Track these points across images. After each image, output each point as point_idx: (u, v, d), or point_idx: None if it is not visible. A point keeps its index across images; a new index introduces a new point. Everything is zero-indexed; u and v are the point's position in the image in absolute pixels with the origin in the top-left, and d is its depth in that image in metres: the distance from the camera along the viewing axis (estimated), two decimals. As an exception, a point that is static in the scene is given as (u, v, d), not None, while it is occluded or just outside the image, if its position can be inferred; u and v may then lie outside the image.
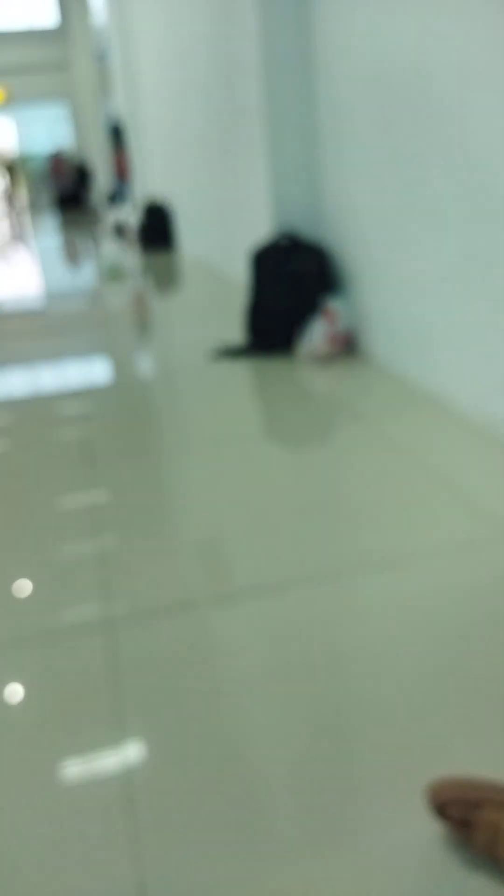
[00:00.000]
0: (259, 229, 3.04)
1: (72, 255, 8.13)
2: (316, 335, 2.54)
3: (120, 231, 8.53)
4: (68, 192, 15.97)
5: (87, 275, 6.28)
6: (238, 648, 1.09)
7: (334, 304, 2.55)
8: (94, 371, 2.90)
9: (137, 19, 6.84)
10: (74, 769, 0.89)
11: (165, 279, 5.45)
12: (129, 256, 5.51)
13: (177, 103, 5.39)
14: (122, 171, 7.99)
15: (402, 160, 2.08)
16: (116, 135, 7.90)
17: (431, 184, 1.92)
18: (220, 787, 0.84)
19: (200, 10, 4.14)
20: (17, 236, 11.59)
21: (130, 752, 0.91)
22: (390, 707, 0.95)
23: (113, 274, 5.29)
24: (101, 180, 14.05)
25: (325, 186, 2.74)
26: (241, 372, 2.64)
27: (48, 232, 12.14)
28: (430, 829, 0.78)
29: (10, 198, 18.87)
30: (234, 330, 3.00)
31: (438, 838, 0.77)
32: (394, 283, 2.29)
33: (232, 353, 2.78)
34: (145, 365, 3.09)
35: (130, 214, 8.21)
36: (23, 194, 19.60)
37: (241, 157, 3.36)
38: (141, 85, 7.21)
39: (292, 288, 2.61)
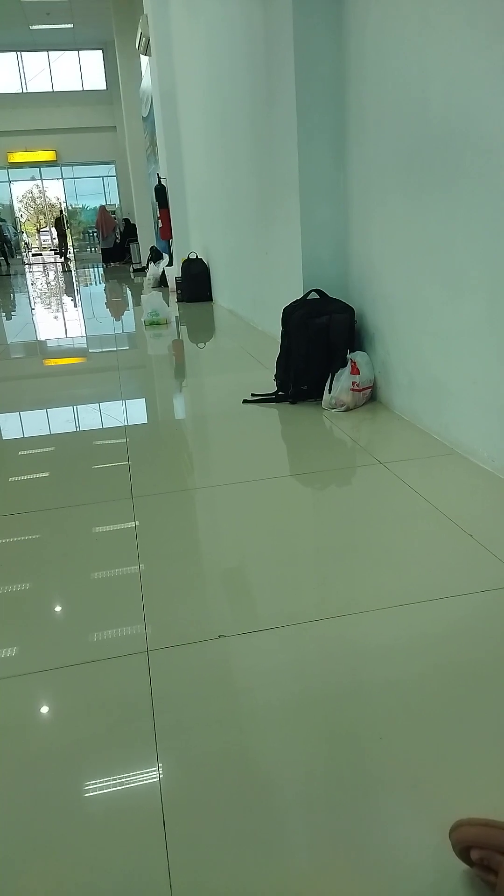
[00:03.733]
0: (290, 286, 3.25)
1: (115, 304, 8.53)
2: (341, 385, 2.71)
3: (160, 283, 8.93)
4: (113, 245, 16.74)
5: (128, 322, 6.60)
6: (260, 679, 1.18)
7: (358, 357, 2.73)
8: (132, 410, 3.10)
9: (181, 87, 7.32)
10: (108, 789, 0.97)
11: (201, 328, 5.72)
12: (168, 306, 5.79)
13: (216, 168, 5.74)
14: (164, 229, 8.41)
15: (426, 225, 2.26)
16: (160, 194, 8.35)
17: (454, 249, 2.09)
18: (244, 809, 0.92)
19: (240, 82, 4.49)
20: (65, 284, 12.14)
21: (162, 774, 0.99)
22: (408, 740, 1.02)
23: (153, 322, 5.57)
24: (144, 235, 14.66)
25: (352, 249, 2.95)
26: (270, 417, 2.81)
27: (93, 281, 12.69)
28: (446, 862, 0.82)
29: (59, 249, 19.78)
30: (264, 377, 3.19)
31: (457, 873, 0.80)
32: (414, 339, 2.46)
33: (262, 399, 2.97)
34: (181, 406, 3.29)
35: (170, 268, 8.60)
36: (70, 246, 20.52)
37: (275, 220, 3.61)
38: (183, 149, 7.66)
39: (320, 341, 2.79)
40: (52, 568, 1.65)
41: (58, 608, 1.48)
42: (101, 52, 18.77)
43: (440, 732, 1.04)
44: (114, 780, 0.99)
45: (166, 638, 1.31)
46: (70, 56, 18.99)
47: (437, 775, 0.97)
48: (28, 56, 18.84)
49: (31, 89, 19.15)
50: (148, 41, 8.12)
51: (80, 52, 18.91)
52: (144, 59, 10.89)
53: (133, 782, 0.99)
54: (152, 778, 0.99)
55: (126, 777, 1.00)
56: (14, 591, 1.56)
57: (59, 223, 19.61)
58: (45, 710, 1.16)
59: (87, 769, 1.02)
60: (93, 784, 0.99)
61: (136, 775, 1.00)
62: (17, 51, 18.64)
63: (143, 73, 12.95)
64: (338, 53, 2.77)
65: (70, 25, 16.72)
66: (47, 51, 18.71)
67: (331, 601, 1.41)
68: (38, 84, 19.15)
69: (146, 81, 11.51)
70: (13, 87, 19.04)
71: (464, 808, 0.87)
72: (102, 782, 0.99)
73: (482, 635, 1.28)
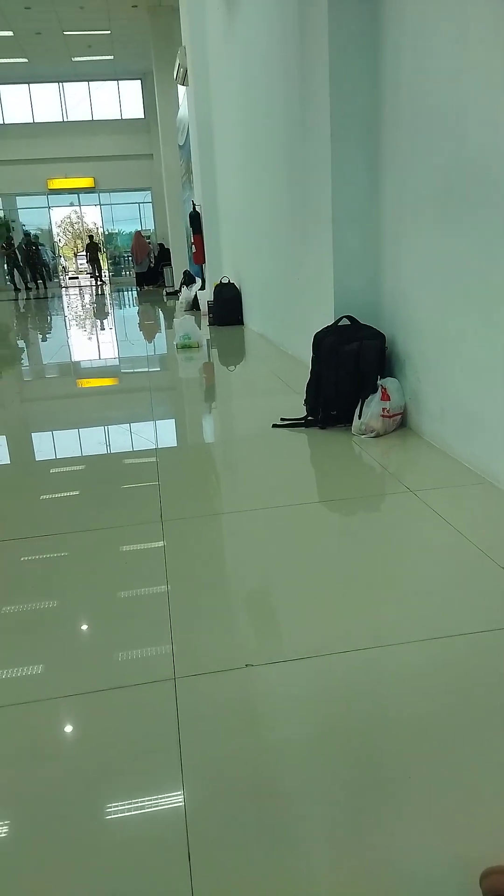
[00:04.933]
0: (321, 312, 3.27)
1: (147, 326, 8.66)
2: (371, 411, 2.71)
3: (193, 306, 9.04)
4: (147, 269, 17.04)
5: (161, 344, 6.69)
6: (286, 710, 1.18)
7: (389, 384, 2.72)
8: (164, 432, 3.13)
9: (217, 116, 7.48)
10: (133, 818, 0.97)
11: (232, 352, 5.77)
12: (200, 330, 5.86)
13: (250, 195, 5.83)
14: (198, 254, 8.55)
15: (460, 255, 2.27)
16: (194, 221, 8.50)
17: (489, 279, 2.09)
18: (269, 841, 0.92)
19: (275, 112, 4.57)
20: (99, 307, 12.37)
21: (188, 804, 0.99)
22: (434, 777, 1.01)
23: (185, 345, 5.64)
24: (178, 260, 14.91)
25: (384, 276, 2.96)
26: (300, 442, 2.81)
27: (127, 304, 12.91)
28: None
29: (92, 272, 20.19)
30: (293, 402, 3.20)
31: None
32: (446, 367, 2.45)
33: (292, 423, 2.98)
34: (211, 429, 3.31)
35: (203, 292, 8.71)
36: (104, 269, 20.92)
37: (307, 246, 3.64)
38: (218, 177, 7.80)
39: (351, 367, 2.80)
40: (82, 590, 1.66)
41: (87, 632, 1.49)
42: (139, 81, 19.28)
43: (468, 771, 1.02)
44: (139, 809, 0.99)
45: (194, 665, 1.31)
46: (109, 86, 19.54)
47: (464, 815, 0.95)
48: (69, 86, 19.43)
49: (71, 118, 19.71)
50: (186, 72, 8.33)
51: (120, 81, 19.44)
52: (182, 89, 11.16)
53: (159, 812, 0.99)
54: (178, 807, 0.98)
55: (151, 807, 1.00)
56: (44, 612, 1.57)
57: (91, 248, 20.02)
58: (72, 734, 1.17)
59: (113, 797, 1.02)
60: (118, 812, 0.99)
61: (161, 805, 1.00)
62: (59, 81, 19.24)
63: (179, 103, 13.27)
64: (373, 85, 2.81)
65: (110, 57, 17.24)
66: (88, 81, 19.28)
67: (358, 632, 1.40)
68: (78, 113, 19.72)
69: (183, 110, 11.78)
70: (54, 116, 19.63)
71: (493, 853, 0.85)
72: (128, 811, 0.99)
73: (513, 672, 1.25)
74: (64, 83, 19.38)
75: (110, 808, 1.00)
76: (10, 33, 15.08)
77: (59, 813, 0.99)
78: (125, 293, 16.19)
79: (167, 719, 1.16)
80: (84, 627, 1.51)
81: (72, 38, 15.62)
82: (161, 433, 3.17)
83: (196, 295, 8.96)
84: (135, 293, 15.74)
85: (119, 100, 19.74)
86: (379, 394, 2.70)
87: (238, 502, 2.24)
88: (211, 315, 7.40)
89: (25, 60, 17.19)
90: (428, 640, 1.35)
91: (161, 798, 1.01)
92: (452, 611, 1.46)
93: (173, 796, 1.01)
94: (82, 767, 1.08)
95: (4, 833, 0.97)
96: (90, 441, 3.17)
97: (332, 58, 2.82)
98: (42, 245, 19.96)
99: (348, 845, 0.91)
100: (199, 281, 9.57)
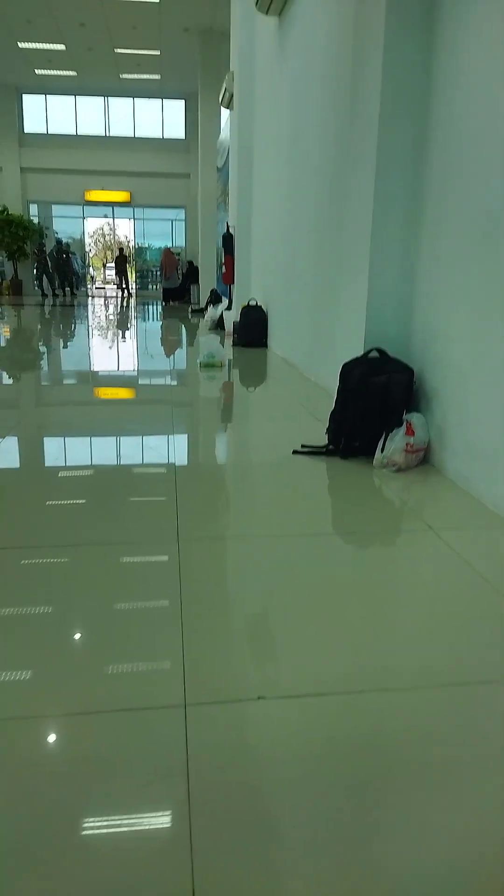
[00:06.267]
0: (349, 342, 3.26)
1: (170, 342, 8.70)
2: (394, 445, 2.68)
3: (217, 325, 9.09)
4: (175, 284, 17.21)
5: (184, 361, 6.71)
6: (298, 747, 1.14)
7: (414, 419, 2.70)
8: (183, 450, 3.11)
9: (258, 142, 7.57)
10: (138, 849, 0.94)
11: (255, 374, 5.77)
12: (224, 349, 5.87)
13: (287, 222, 5.87)
14: (227, 274, 8.62)
15: (495, 299, 2.25)
16: (227, 241, 8.57)
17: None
18: (274, 880, 0.91)
19: (319, 142, 4.61)
20: (124, 318, 12.47)
21: (194, 840, 0.95)
22: (433, 831, 0.99)
23: (209, 364, 5.65)
24: (205, 278, 15.05)
25: (417, 311, 2.95)
26: (319, 470, 2.79)
27: (151, 317, 13.01)
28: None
29: (119, 284, 20.41)
30: (315, 429, 3.18)
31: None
32: (474, 406, 2.42)
33: (313, 451, 2.95)
34: (230, 450, 3.29)
35: (228, 312, 8.76)
36: (131, 282, 21.15)
37: (341, 277, 3.64)
38: (254, 201, 7.88)
39: (377, 399, 2.78)
40: (96, 606, 1.63)
41: (98, 650, 1.46)
42: (183, 102, 19.62)
43: (472, 823, 0.98)
44: (144, 841, 0.95)
45: (205, 693, 1.27)
46: (153, 104, 19.89)
47: (455, 857, 0.90)
48: (114, 101, 19.81)
49: (113, 133, 20.07)
50: (232, 96, 8.46)
51: (164, 101, 19.80)
52: (224, 113, 11.35)
53: (164, 845, 0.95)
54: (184, 841, 0.94)
55: (156, 840, 0.96)
56: (56, 628, 1.54)
57: (120, 260, 20.25)
58: (80, 755, 1.13)
59: (119, 823, 0.98)
60: (123, 842, 0.95)
61: (167, 838, 0.96)
62: (104, 96, 19.63)
63: (222, 126, 13.48)
64: (422, 121, 2.83)
65: (157, 76, 17.58)
66: (133, 97, 19.65)
67: (369, 673, 1.36)
68: (120, 128, 20.07)
69: (224, 134, 11.97)
70: (97, 130, 19.99)
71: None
72: (133, 840, 0.95)
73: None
74: (109, 98, 19.76)
75: (115, 836, 0.96)
76: (62, 47, 15.44)
77: (60, 837, 0.96)
78: (150, 306, 16.32)
79: (176, 748, 1.12)
80: (96, 645, 1.48)
81: (122, 55, 15.96)
82: (181, 451, 3.16)
83: (222, 314, 9.01)
84: (160, 307, 15.87)
85: (162, 118, 20.08)
86: (404, 428, 2.67)
87: (255, 527, 2.21)
88: (235, 335, 7.42)
89: (74, 74, 17.57)
90: (437, 688, 1.31)
91: (167, 831, 0.97)
92: (470, 657, 1.42)
93: (180, 831, 0.97)
94: (90, 791, 1.04)
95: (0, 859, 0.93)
96: (110, 454, 3.16)
97: (383, 93, 2.84)
98: (73, 253, 20.22)
99: (335, 869, 0.87)
100: (225, 300, 9.63)
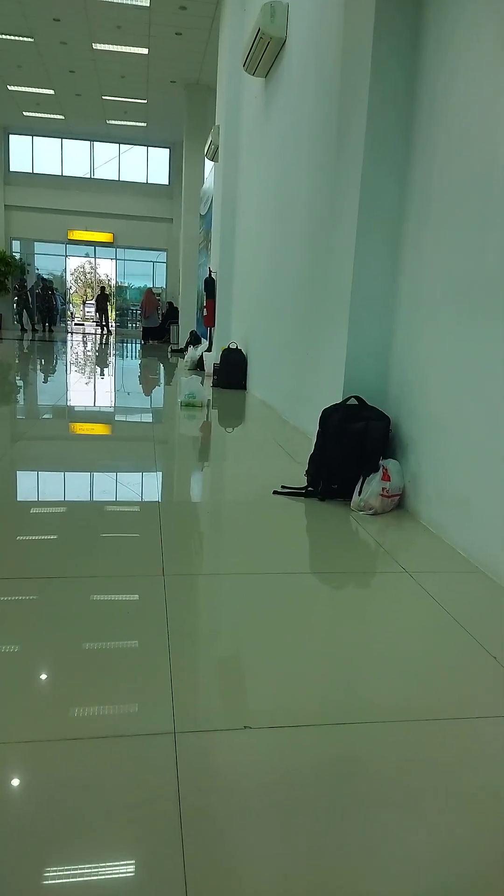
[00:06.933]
0: (329, 388, 3.40)
1: (150, 381, 8.81)
2: (371, 489, 2.79)
3: (197, 366, 9.25)
4: (154, 324, 17.44)
5: (164, 401, 6.81)
6: (284, 775, 1.21)
7: (390, 465, 2.82)
8: (167, 486, 3.19)
9: (242, 193, 7.86)
10: (129, 869, 1.00)
11: (235, 415, 5.89)
12: (204, 390, 6.00)
13: (269, 270, 6.08)
14: (208, 317, 8.81)
15: (476, 348, 2.39)
16: (208, 286, 8.79)
17: (499, 378, 2.21)
18: (258, 883, 0.97)
19: (301, 198, 4.84)
20: (103, 356, 12.58)
21: (187, 865, 1.00)
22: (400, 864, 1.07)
23: (189, 403, 5.75)
24: (185, 319, 15.29)
25: (395, 360, 3.10)
26: (298, 511, 2.88)
27: (130, 355, 13.13)
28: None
29: (100, 320, 20.61)
30: (294, 471, 3.28)
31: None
32: (448, 456, 2.55)
33: (292, 492, 3.05)
34: (211, 489, 3.37)
35: (208, 353, 8.93)
36: (111, 320, 21.36)
37: (322, 326, 3.81)
38: (236, 247, 8.13)
39: (355, 444, 2.90)
40: (84, 636, 1.68)
41: (90, 679, 1.51)
42: (168, 150, 20.19)
43: (442, 848, 1.05)
44: (139, 859, 1.01)
45: (193, 722, 1.33)
46: (139, 150, 20.43)
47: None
48: (100, 146, 20.31)
49: (98, 175, 20.52)
50: (217, 149, 8.78)
51: (149, 148, 20.35)
52: (208, 164, 11.72)
53: (156, 871, 1.00)
54: (177, 859, 1.00)
55: (150, 858, 1.01)
56: (47, 656, 1.59)
57: (101, 298, 20.50)
58: (69, 779, 1.18)
59: (109, 848, 1.03)
60: (114, 867, 1.00)
61: (159, 863, 1.01)
62: (91, 140, 20.13)
63: (206, 176, 13.90)
64: (402, 182, 3.02)
65: (143, 124, 18.12)
66: (119, 143, 20.17)
67: (349, 705, 1.43)
68: (105, 171, 20.54)
69: (208, 183, 12.33)
70: (82, 172, 20.42)
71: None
72: (128, 860, 1.00)
73: (489, 759, 1.29)
74: (95, 142, 20.26)
75: (106, 861, 1.01)
76: (51, 91, 15.87)
77: (53, 859, 1.00)
78: (129, 344, 16.48)
79: (166, 775, 1.18)
80: (86, 672, 1.52)
81: (109, 102, 16.45)
82: (164, 488, 3.23)
83: (202, 355, 9.18)
84: (139, 346, 16.03)
85: (146, 164, 20.60)
86: (380, 473, 2.79)
87: (237, 564, 2.28)
88: (215, 377, 7.57)
89: (62, 117, 18.03)
90: (409, 722, 1.39)
91: (159, 856, 1.02)
92: (432, 691, 1.50)
93: (172, 857, 1.02)
94: (81, 814, 1.09)
95: None
96: (94, 491, 3.22)
97: (366, 156, 3.03)
98: (56, 289, 20.42)
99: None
100: (205, 342, 9.82)
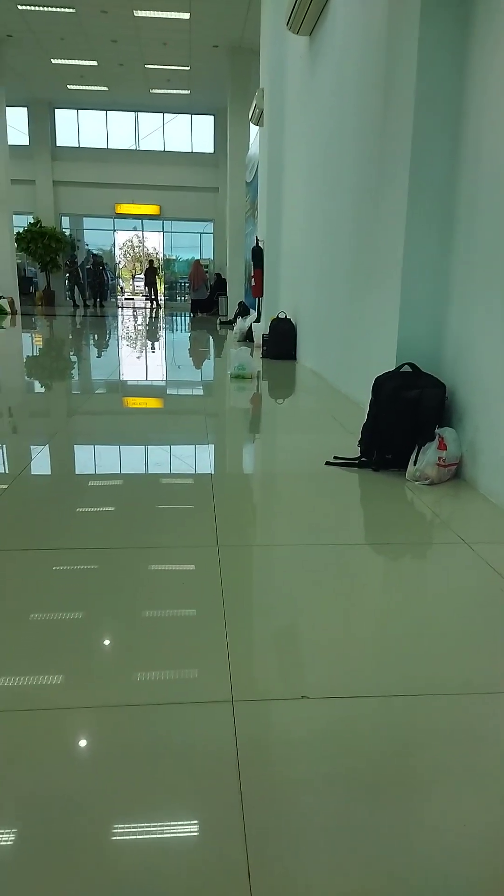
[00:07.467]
0: (381, 356, 3.33)
1: (199, 353, 8.83)
2: (427, 459, 2.74)
3: (246, 337, 9.21)
4: (203, 296, 17.43)
5: (214, 373, 6.82)
6: (342, 745, 1.22)
7: (446, 433, 2.75)
8: (217, 459, 3.20)
9: (288, 157, 7.69)
10: (189, 835, 1.02)
11: (285, 385, 5.85)
12: (253, 361, 5.98)
13: (314, 236, 5.97)
14: (256, 287, 8.73)
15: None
16: (256, 255, 8.69)
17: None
18: (326, 868, 0.97)
19: (350, 161, 4.70)
20: (153, 330, 12.67)
21: (247, 831, 1.02)
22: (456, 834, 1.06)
23: (239, 375, 5.74)
24: (233, 290, 15.21)
25: (450, 328, 3.01)
26: (352, 482, 2.85)
27: (180, 329, 13.18)
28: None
29: (148, 295, 20.71)
30: (346, 441, 3.24)
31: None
32: (506, 421, 2.48)
33: (345, 462, 3.02)
34: (263, 460, 3.37)
35: (257, 324, 8.87)
36: (160, 293, 21.44)
37: (372, 292, 3.72)
38: (284, 215, 8.00)
39: (409, 413, 2.84)
40: (141, 606, 1.72)
41: (147, 647, 1.54)
42: (212, 117, 19.92)
43: (489, 830, 1.04)
44: (198, 830, 1.03)
45: (251, 691, 1.35)
46: (183, 119, 20.23)
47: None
48: (144, 116, 20.19)
49: (143, 147, 20.44)
50: (262, 113, 8.61)
51: (193, 116, 20.12)
52: (253, 129, 11.52)
53: (218, 835, 1.02)
54: (237, 831, 1.02)
55: (210, 829, 1.03)
56: (107, 624, 1.63)
57: (150, 271, 20.57)
58: (131, 745, 1.21)
59: (172, 814, 1.06)
60: (178, 831, 1.03)
61: (220, 828, 1.03)
62: (135, 111, 20.02)
63: (251, 142, 13.67)
64: (455, 138, 2.90)
65: (187, 92, 17.90)
66: (163, 112, 20.01)
67: (408, 677, 1.42)
68: (150, 143, 20.44)
69: (254, 149, 12.13)
70: (127, 144, 20.38)
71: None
72: (188, 831, 1.03)
73: None
74: (139, 113, 20.14)
75: (168, 826, 1.04)
76: (94, 63, 15.80)
77: (111, 824, 1.04)
78: (178, 318, 16.54)
79: (225, 743, 1.20)
80: (145, 641, 1.56)
81: (152, 71, 16.29)
82: (216, 460, 3.24)
83: (251, 326, 9.13)
84: (188, 319, 16.07)
85: (191, 133, 20.41)
86: (436, 442, 2.73)
87: (291, 536, 2.28)
88: (265, 348, 7.53)
89: (105, 89, 17.97)
90: (471, 695, 1.37)
91: (220, 821, 1.04)
92: (491, 666, 1.48)
93: (233, 822, 1.04)
94: (142, 781, 1.12)
95: (39, 848, 1.01)
96: (147, 462, 3.26)
97: (416, 111, 2.91)
98: (106, 264, 20.59)
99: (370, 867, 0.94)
100: (253, 313, 9.75)
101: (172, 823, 1.03)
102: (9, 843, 0.99)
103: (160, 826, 1.03)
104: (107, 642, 1.55)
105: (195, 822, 1.04)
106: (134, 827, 1.03)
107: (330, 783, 1.12)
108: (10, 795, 1.07)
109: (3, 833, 1.01)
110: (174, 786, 1.10)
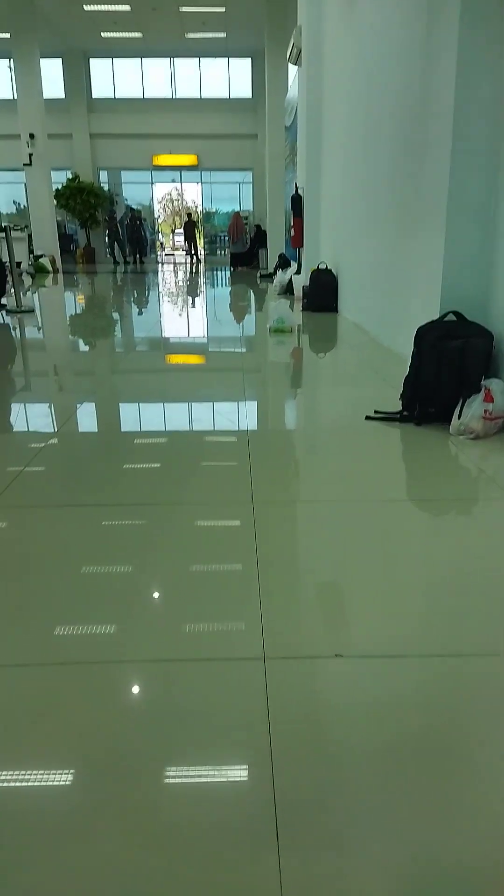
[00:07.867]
0: (424, 305, 3.19)
1: (240, 308, 8.71)
2: (472, 412, 2.63)
3: (286, 290, 9.02)
4: (243, 249, 17.13)
5: (253, 327, 6.72)
6: (378, 707, 1.19)
7: (493, 385, 2.64)
8: (255, 415, 3.16)
9: (328, 99, 7.37)
10: (221, 794, 1.01)
11: (326, 339, 5.73)
12: (294, 314, 5.85)
13: (355, 181, 5.73)
14: (296, 237, 8.50)
15: None
16: (295, 203, 8.44)
17: None
18: (353, 829, 0.95)
19: (390, 98, 4.46)
20: (194, 285, 12.55)
21: (277, 786, 1.01)
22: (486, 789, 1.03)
23: (279, 329, 5.64)
24: (274, 242, 14.89)
25: (498, 274, 2.85)
26: (393, 436, 2.77)
27: (221, 283, 13.02)
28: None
29: (188, 250, 20.47)
30: (388, 395, 3.15)
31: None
32: None
33: (386, 417, 2.94)
34: (302, 415, 3.31)
35: (297, 276, 8.67)
36: (200, 247, 21.17)
37: (415, 239, 3.56)
38: (323, 161, 7.70)
39: (454, 364, 2.73)
40: (176, 563, 1.71)
41: (181, 604, 1.53)
42: (249, 60, 19.22)
43: None
44: (230, 782, 1.02)
45: (283, 648, 1.33)
46: (219, 63, 19.58)
47: None
48: (179, 62, 19.62)
49: (179, 95, 19.92)
50: (300, 52, 8.23)
51: (230, 59, 19.45)
52: (292, 70, 11.04)
53: (249, 787, 1.01)
54: (267, 784, 1.00)
55: (240, 784, 1.02)
56: (140, 581, 1.63)
57: (188, 225, 20.27)
58: (164, 700, 1.21)
59: (202, 769, 1.05)
60: (210, 784, 1.02)
61: (251, 782, 1.02)
62: (170, 56, 19.45)
63: (289, 84, 13.15)
64: (502, 73, 2.70)
65: (223, 34, 17.26)
66: (199, 57, 19.39)
67: (447, 637, 1.38)
68: (187, 90, 19.90)
69: (292, 92, 11.68)
70: (164, 93, 19.88)
71: None
72: (219, 783, 1.02)
73: None
74: (175, 59, 19.57)
75: (199, 780, 1.03)
76: (127, 8, 15.34)
77: (143, 779, 1.04)
78: (219, 272, 16.32)
79: (257, 700, 1.18)
80: (178, 596, 1.55)
81: (187, 14, 15.72)
82: (253, 416, 3.20)
83: (291, 279, 8.93)
84: (228, 273, 15.84)
85: (228, 78, 19.76)
86: (482, 394, 2.62)
87: (328, 492, 2.23)
88: (305, 300, 7.36)
89: (140, 35, 17.46)
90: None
91: (250, 777, 1.03)
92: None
93: (263, 779, 1.02)
94: (172, 736, 1.12)
95: (79, 800, 1.01)
96: (184, 419, 3.24)
97: (461, 41, 2.72)
98: (145, 220, 20.37)
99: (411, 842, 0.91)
100: (294, 265, 9.52)
101: (202, 779, 1.03)
102: (62, 783, 1.01)
103: (187, 780, 1.02)
104: (140, 598, 1.55)
105: (224, 779, 1.03)
106: (167, 778, 1.02)
107: (362, 747, 1.09)
108: (49, 744, 1.09)
109: (58, 775, 1.03)
110: (203, 743, 1.09)
